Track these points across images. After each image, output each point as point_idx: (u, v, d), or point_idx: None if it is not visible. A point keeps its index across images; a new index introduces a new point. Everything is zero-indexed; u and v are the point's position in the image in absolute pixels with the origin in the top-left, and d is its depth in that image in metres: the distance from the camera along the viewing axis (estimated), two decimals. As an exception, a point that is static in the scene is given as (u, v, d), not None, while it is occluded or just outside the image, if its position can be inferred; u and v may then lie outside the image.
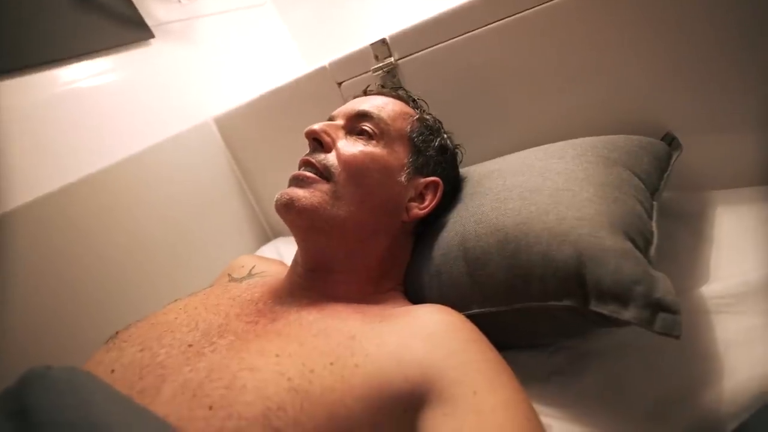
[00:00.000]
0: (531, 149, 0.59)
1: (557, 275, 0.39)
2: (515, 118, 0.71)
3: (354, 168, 0.50)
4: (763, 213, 0.52)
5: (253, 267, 0.62)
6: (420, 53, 0.72)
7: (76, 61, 0.86)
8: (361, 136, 0.53)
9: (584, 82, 0.63)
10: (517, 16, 0.62)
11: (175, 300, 0.52)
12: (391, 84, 0.76)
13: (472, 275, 0.47)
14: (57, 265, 0.76)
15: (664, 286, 0.35)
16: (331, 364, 0.37)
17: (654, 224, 0.43)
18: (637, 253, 0.37)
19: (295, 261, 0.54)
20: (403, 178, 0.53)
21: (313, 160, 0.50)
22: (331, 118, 0.56)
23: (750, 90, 0.53)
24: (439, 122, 0.62)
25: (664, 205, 0.50)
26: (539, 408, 0.41)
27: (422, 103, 0.62)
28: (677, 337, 0.32)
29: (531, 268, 0.41)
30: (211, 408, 0.32)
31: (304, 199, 0.48)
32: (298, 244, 0.53)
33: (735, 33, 0.51)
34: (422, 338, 0.39)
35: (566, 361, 0.46)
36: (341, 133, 0.53)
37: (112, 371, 0.38)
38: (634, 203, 0.43)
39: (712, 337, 0.42)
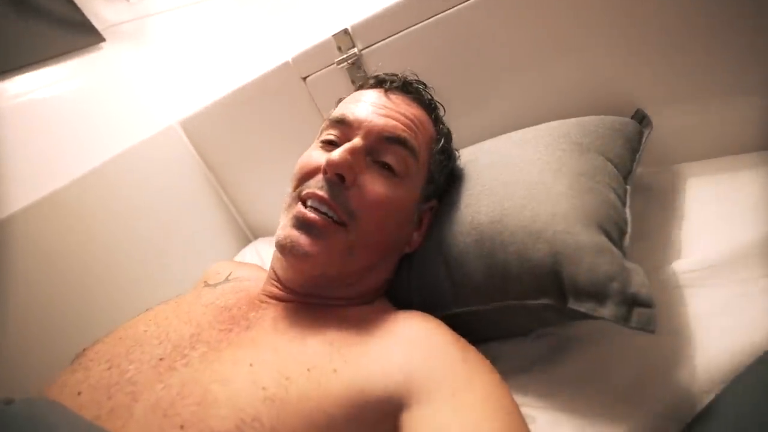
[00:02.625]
0: (504, 136, 0.58)
1: (533, 273, 0.39)
2: (486, 101, 0.69)
3: (377, 216, 0.45)
4: (730, 183, 0.53)
5: (230, 273, 0.60)
6: (384, 41, 0.70)
7: (24, 72, 0.81)
8: (386, 170, 0.46)
9: (555, 63, 0.62)
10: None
11: (147, 310, 0.49)
12: (359, 75, 0.74)
13: (451, 276, 0.46)
14: (25, 288, 0.73)
15: (638, 280, 0.35)
16: (308, 370, 0.36)
17: (627, 211, 0.43)
18: (612, 247, 0.37)
19: (273, 273, 0.50)
20: (414, 216, 0.50)
21: (335, 204, 0.43)
22: (343, 121, 0.48)
23: (716, 61, 0.53)
24: (451, 137, 0.55)
25: (634, 182, 0.51)
26: (522, 399, 0.42)
27: (439, 107, 0.55)
28: (652, 332, 0.33)
29: (507, 267, 0.41)
30: (182, 427, 0.31)
31: (318, 256, 0.42)
32: (288, 271, 0.47)
33: (699, 7, 0.51)
34: (401, 344, 0.39)
35: (547, 348, 0.47)
36: (363, 161, 0.45)
37: (79, 393, 0.36)
38: (607, 192, 0.43)
39: (685, 312, 0.42)
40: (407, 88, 0.53)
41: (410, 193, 0.48)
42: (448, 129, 0.55)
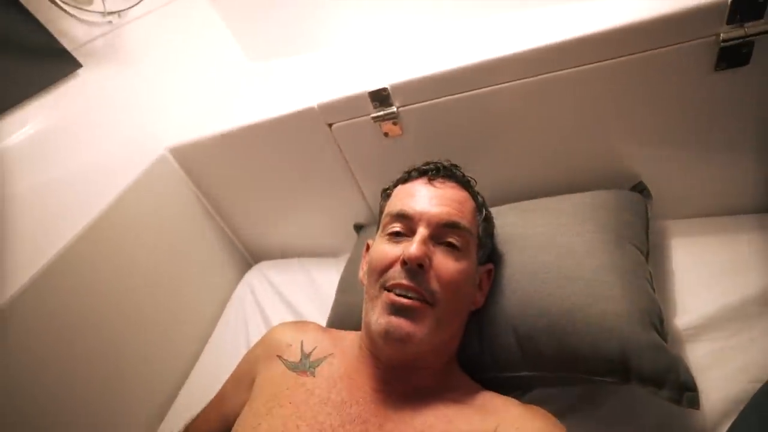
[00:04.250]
0: (538, 204, 0.69)
1: (603, 360, 0.51)
2: (511, 165, 0.78)
3: (454, 289, 0.53)
4: (714, 245, 0.68)
5: (301, 343, 0.62)
6: (420, 104, 0.73)
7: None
8: (450, 248, 0.54)
9: (572, 141, 0.72)
10: (520, 81, 0.66)
11: (259, 424, 0.52)
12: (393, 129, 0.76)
13: (523, 348, 0.57)
14: (50, 362, 0.69)
15: (684, 369, 0.48)
16: None
17: (656, 294, 0.56)
18: (663, 343, 0.50)
19: (374, 358, 0.56)
20: (476, 280, 0.58)
21: (421, 289, 0.51)
22: (405, 215, 0.55)
23: (707, 137, 0.66)
24: (486, 203, 0.63)
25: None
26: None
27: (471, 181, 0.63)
28: (697, 409, 0.46)
29: (578, 351, 0.52)
30: None
31: (418, 335, 0.50)
32: (392, 353, 0.53)
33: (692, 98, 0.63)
34: (488, 413, 0.51)
35: (583, 390, 0.60)
36: (431, 247, 0.53)
37: None
38: (646, 286, 0.55)
39: (689, 363, 0.58)
40: (446, 173, 0.61)
41: (471, 260, 0.57)
42: (482, 197, 0.64)
